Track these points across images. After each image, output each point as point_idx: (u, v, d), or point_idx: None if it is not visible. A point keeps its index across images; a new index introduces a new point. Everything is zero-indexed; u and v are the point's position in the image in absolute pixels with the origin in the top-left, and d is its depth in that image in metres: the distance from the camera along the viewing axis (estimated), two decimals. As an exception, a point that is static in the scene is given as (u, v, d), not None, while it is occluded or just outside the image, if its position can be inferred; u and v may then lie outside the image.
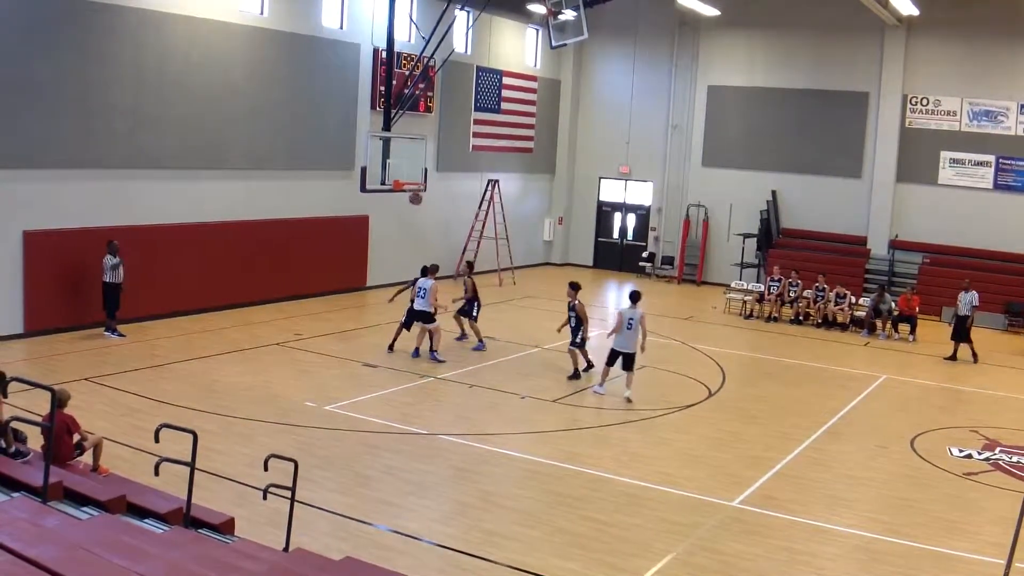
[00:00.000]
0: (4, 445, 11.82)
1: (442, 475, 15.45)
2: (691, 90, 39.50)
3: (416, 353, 23.30)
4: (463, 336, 25.20)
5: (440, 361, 22.70)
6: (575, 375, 22.12)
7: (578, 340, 22.26)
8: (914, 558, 13.15)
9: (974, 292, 27.36)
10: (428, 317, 23.27)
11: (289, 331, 24.84)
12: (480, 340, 24.68)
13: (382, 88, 30.12)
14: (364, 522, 13.16)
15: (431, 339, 23.25)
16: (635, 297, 21.14)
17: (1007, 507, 15.27)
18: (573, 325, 22.27)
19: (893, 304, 30.06)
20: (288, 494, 11.13)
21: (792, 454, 17.49)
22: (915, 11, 32.53)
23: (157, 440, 10.27)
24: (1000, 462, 17.65)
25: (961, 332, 26.86)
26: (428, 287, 23.32)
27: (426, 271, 24.24)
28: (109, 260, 22.68)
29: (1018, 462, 17.67)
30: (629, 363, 20.74)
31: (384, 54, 29.41)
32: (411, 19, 31.85)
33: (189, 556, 8.68)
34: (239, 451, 15.59)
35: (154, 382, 19.42)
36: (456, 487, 14.99)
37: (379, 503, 13.96)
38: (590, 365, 22.43)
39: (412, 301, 23.72)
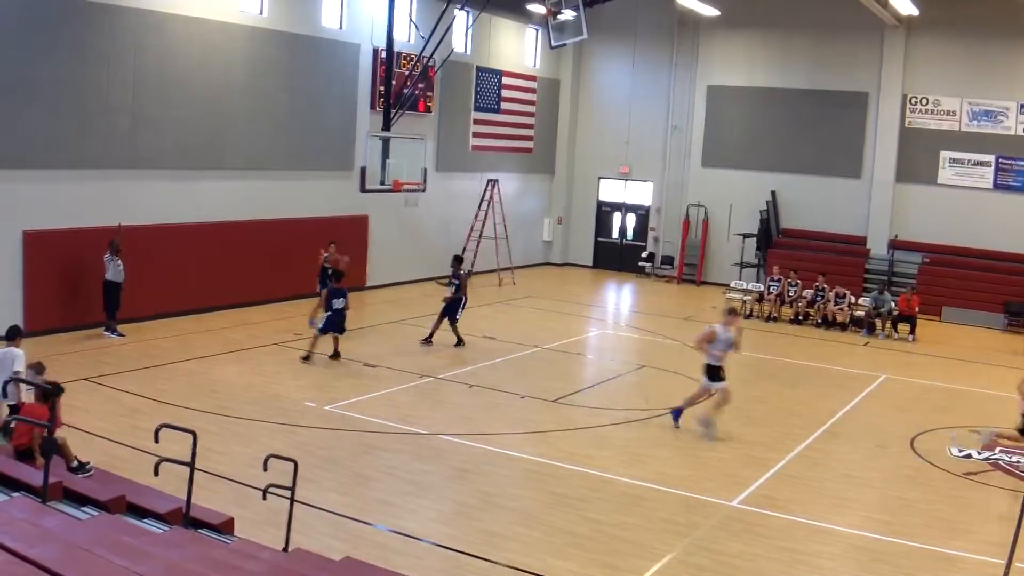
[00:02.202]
0: (66, 461, 11.96)
1: (442, 475, 15.45)
2: (691, 90, 39.49)
3: (313, 322, 23.64)
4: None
5: (710, 431, 18.41)
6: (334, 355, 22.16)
7: (316, 322, 22.07)
8: (915, 558, 13.16)
9: None
10: (715, 373, 18.61)
11: (288, 331, 24.78)
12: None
13: (382, 88, 30.11)
14: (364, 522, 13.17)
15: (696, 398, 19.07)
16: None
17: (1007, 507, 15.30)
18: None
19: (893, 304, 30.07)
20: (288, 494, 11.13)
21: (791, 454, 17.49)
22: (915, 11, 32.50)
23: (157, 440, 10.27)
24: (1000, 462, 17.65)
25: None
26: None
27: (460, 260, 25.21)
28: (109, 258, 22.70)
29: (1018, 462, 17.66)
30: None
31: (384, 54, 29.42)
32: (411, 19, 31.84)
33: (189, 556, 8.70)
34: (239, 451, 15.60)
35: (154, 382, 19.42)
36: (456, 487, 14.99)
37: (379, 503, 13.96)
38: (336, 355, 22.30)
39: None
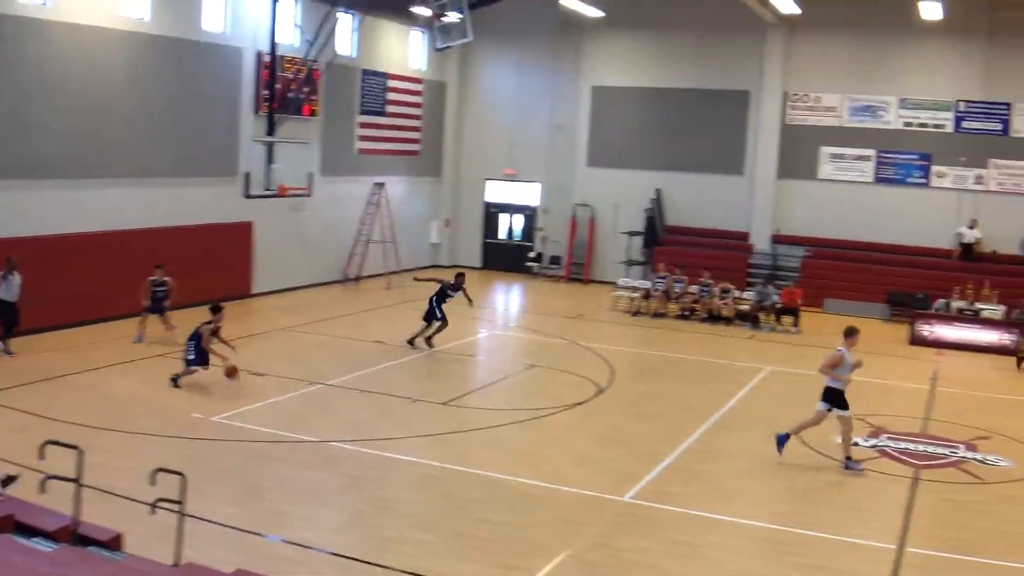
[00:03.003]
0: None
1: (335, 483, 15.36)
2: (575, 91, 39.76)
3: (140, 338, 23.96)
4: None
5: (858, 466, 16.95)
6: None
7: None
8: (808, 546, 13.44)
9: None
10: (839, 398, 17.15)
11: (175, 342, 24.17)
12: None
13: (266, 92, 29.80)
14: (257, 533, 13.02)
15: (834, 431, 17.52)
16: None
17: (896, 493, 15.73)
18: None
19: (776, 297, 30.66)
20: (177, 508, 10.98)
21: (681, 447, 17.70)
22: (796, 9, 33.00)
23: (42, 457, 10.09)
24: (887, 449, 18.08)
25: None
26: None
27: (461, 277, 25.87)
28: (6, 276, 21.98)
29: (904, 448, 18.12)
30: None
31: (267, 58, 29.15)
32: (296, 23, 31.54)
33: (78, 574, 8.56)
34: (128, 465, 15.28)
35: (42, 397, 18.91)
36: (350, 494, 14.92)
37: (272, 513, 13.82)
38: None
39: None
